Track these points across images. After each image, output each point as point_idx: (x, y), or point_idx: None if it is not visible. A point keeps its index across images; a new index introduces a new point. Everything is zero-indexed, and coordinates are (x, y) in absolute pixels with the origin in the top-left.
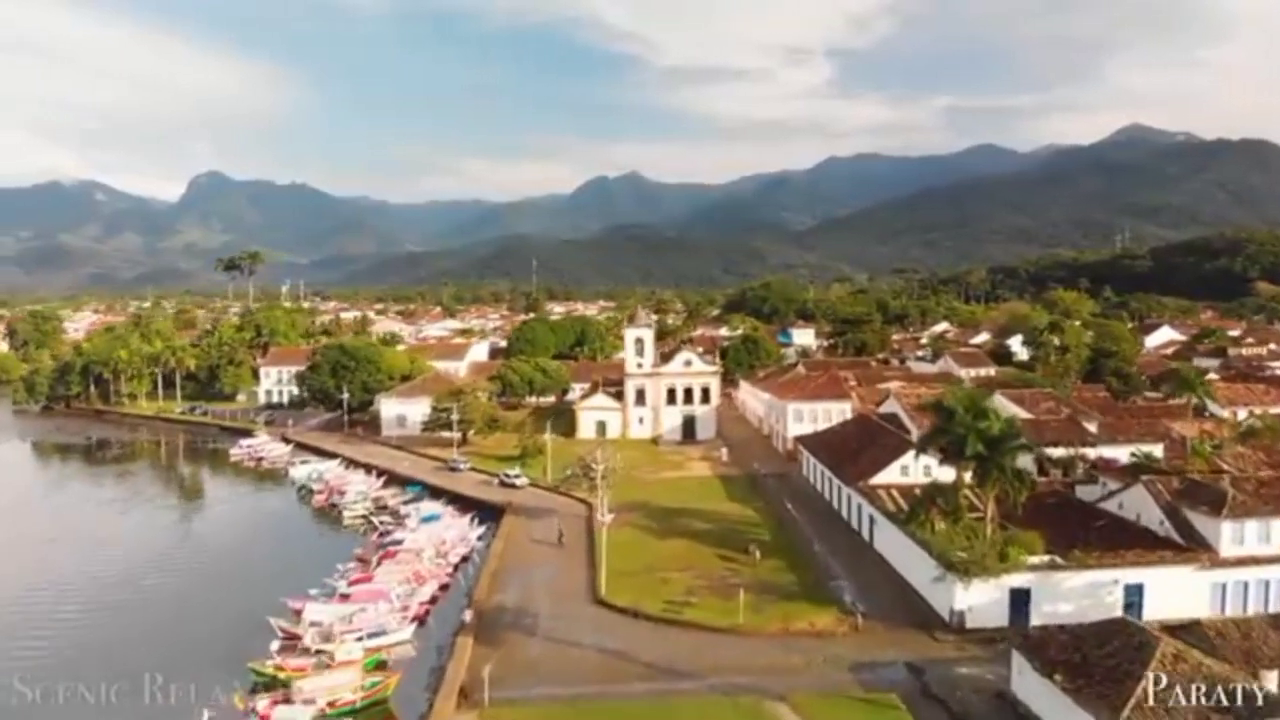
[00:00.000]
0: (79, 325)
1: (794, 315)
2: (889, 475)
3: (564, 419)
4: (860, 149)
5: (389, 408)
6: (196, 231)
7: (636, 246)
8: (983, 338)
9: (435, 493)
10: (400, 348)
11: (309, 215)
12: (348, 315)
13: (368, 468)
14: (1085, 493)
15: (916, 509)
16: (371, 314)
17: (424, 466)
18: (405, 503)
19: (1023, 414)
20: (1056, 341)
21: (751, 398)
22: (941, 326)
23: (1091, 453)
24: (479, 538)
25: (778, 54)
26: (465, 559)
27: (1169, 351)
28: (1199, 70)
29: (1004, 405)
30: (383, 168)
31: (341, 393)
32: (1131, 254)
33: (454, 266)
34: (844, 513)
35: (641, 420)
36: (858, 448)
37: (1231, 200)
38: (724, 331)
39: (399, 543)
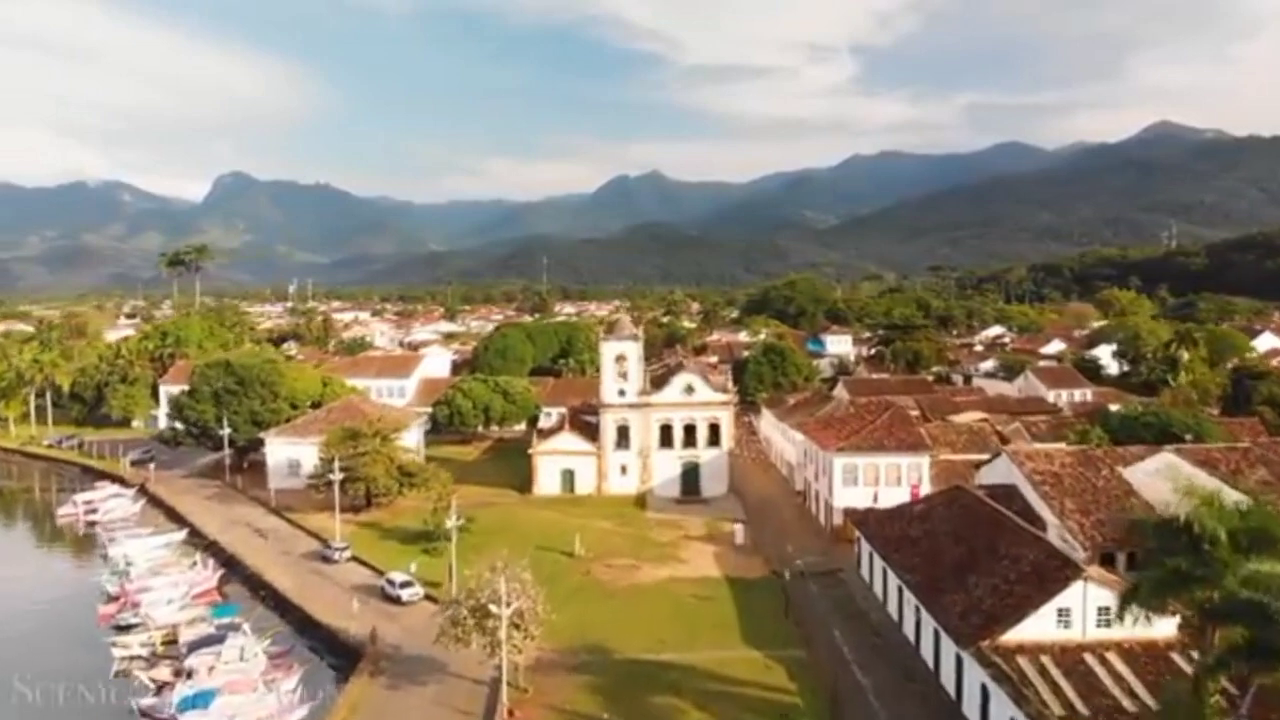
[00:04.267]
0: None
1: (823, 317)
2: (1037, 627)
3: (523, 463)
4: (884, 147)
5: (277, 449)
6: (219, 231)
7: (657, 245)
8: (1055, 346)
9: (280, 606)
10: (374, 353)
11: (332, 215)
12: (322, 318)
13: (210, 547)
14: None
15: None
16: (364, 315)
17: (292, 549)
18: (195, 647)
19: (1229, 491)
20: (1186, 356)
21: (778, 434)
22: (994, 331)
23: None
24: None
25: (801, 51)
26: None
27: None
28: (1228, 66)
29: (1185, 471)
30: (406, 168)
31: (223, 426)
32: (1185, 251)
33: (473, 266)
34: (948, 682)
35: (624, 470)
36: (964, 556)
37: (1266, 198)
38: (743, 336)
39: None
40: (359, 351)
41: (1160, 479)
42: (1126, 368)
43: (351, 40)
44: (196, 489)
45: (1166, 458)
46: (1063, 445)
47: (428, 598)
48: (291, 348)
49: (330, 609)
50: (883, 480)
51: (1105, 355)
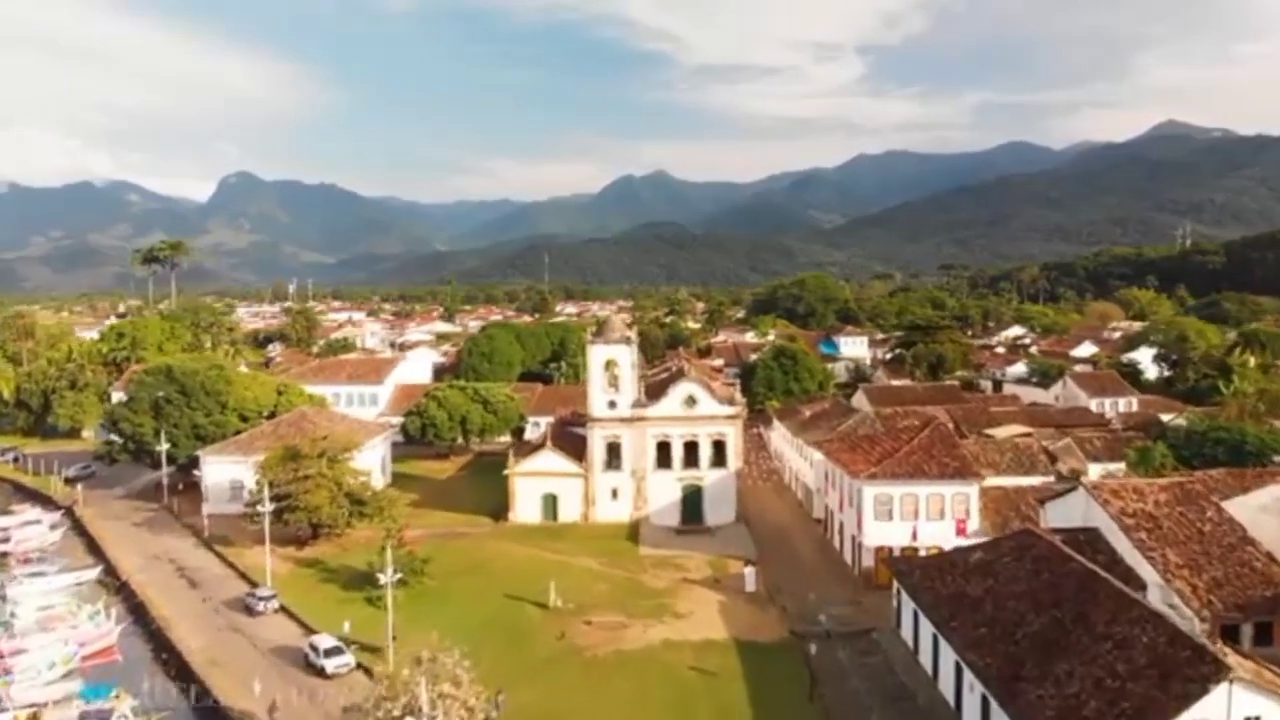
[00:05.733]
0: None
1: (834, 317)
2: None
3: (503, 483)
4: (890, 146)
5: (215, 469)
6: (226, 231)
7: (663, 245)
8: (1087, 349)
9: (181, 675)
10: (353, 355)
11: (338, 215)
12: (304, 318)
13: (121, 590)
14: None
15: None
16: (360, 315)
17: (216, 593)
18: None
19: None
20: (1252, 361)
21: (792, 451)
22: (1014, 331)
23: None
24: None
25: (808, 51)
26: None
27: None
28: (1235, 65)
29: None
30: (412, 168)
31: (160, 442)
32: (1203, 249)
33: (479, 266)
34: None
35: (615, 494)
36: (1048, 630)
37: (1275, 196)
38: (751, 337)
39: None
40: (340, 353)
41: (1272, 516)
42: (1169, 373)
43: (357, 40)
44: (129, 513)
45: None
46: (1123, 466)
47: (361, 668)
48: (276, 349)
49: (240, 682)
50: (923, 513)
51: (1145, 359)
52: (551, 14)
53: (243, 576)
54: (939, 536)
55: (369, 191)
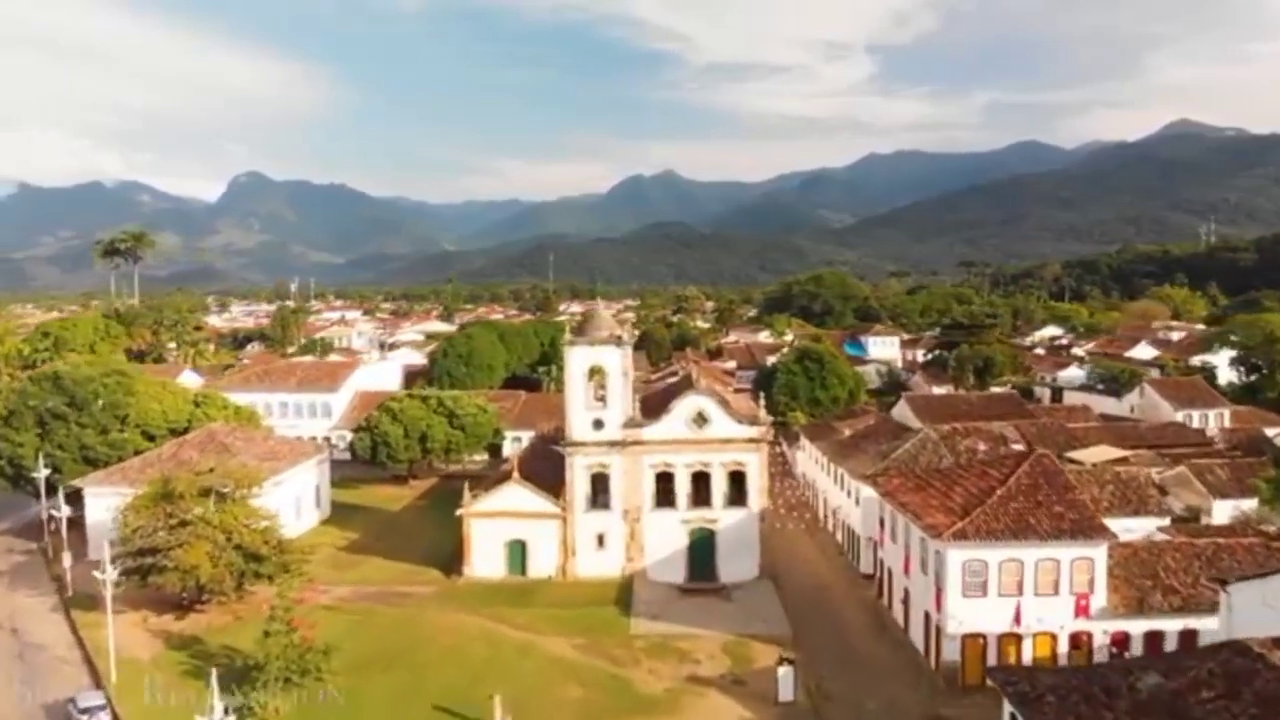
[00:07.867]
0: None
1: (852, 316)
2: None
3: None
4: (900, 146)
5: (99, 504)
6: (236, 231)
7: (671, 245)
8: (1146, 351)
9: None
10: (336, 357)
11: (347, 215)
12: (281, 317)
13: None
14: None
15: None
16: (354, 314)
17: (45, 691)
18: None
19: None
20: None
21: (828, 479)
22: (1048, 331)
23: None
24: None
25: (818, 50)
26: None
27: None
28: (1246, 64)
29: None
30: (421, 168)
31: (39, 465)
32: (1232, 246)
33: (487, 265)
34: None
35: (602, 541)
36: None
37: None
38: (765, 337)
39: None
40: (315, 353)
41: None
42: (1248, 378)
43: (366, 40)
44: (0, 555)
45: None
46: (1255, 504)
47: None
48: (255, 348)
49: None
50: (1030, 586)
51: (1220, 362)
52: (559, 14)
53: (88, 662)
54: (1051, 619)
55: (378, 192)
